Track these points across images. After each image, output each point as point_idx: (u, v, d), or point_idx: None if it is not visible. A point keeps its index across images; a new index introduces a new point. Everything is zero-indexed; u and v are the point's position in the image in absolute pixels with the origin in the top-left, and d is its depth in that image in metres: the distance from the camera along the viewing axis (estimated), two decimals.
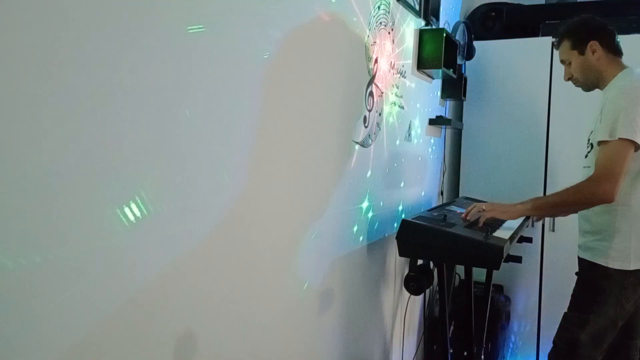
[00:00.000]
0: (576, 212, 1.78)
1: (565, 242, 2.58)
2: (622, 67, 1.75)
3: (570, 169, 2.62)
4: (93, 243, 0.79)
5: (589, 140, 1.78)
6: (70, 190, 0.75)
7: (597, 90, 1.82)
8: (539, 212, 1.85)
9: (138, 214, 0.87)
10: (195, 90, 0.98)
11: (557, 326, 1.83)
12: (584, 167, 1.80)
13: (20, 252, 0.69)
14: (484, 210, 1.73)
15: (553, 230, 2.69)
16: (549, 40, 2.72)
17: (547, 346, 1.99)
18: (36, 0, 0.68)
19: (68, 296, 0.76)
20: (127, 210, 0.84)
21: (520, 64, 2.80)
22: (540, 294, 2.74)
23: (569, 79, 1.85)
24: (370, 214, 1.83)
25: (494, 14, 3.03)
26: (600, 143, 1.60)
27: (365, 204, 1.79)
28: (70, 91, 0.74)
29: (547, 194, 2.71)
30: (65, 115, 0.74)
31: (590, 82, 1.80)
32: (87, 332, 0.79)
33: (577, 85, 1.85)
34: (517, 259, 2.24)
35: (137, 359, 0.89)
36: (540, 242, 2.72)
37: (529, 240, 2.29)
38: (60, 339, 0.75)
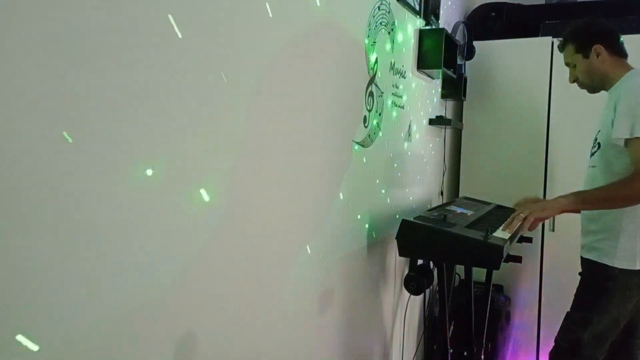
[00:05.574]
0: (620, 207, 1.67)
1: (565, 242, 2.58)
2: (628, 68, 1.75)
3: (570, 169, 2.63)
4: (94, 244, 0.79)
5: (595, 139, 1.77)
6: (71, 190, 0.75)
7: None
8: (583, 206, 1.74)
9: (139, 216, 0.87)
10: (194, 92, 0.98)
11: (557, 326, 1.83)
12: (591, 166, 1.79)
13: (21, 252, 0.69)
14: (522, 217, 1.66)
15: (553, 230, 2.69)
16: (549, 40, 2.72)
17: (547, 346, 2.00)
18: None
19: (69, 296, 0.76)
20: (128, 212, 0.84)
21: (520, 64, 2.80)
22: (540, 294, 2.74)
23: (574, 81, 1.85)
24: (370, 214, 1.83)
25: (494, 14, 3.04)
26: (627, 141, 1.58)
27: (365, 204, 1.79)
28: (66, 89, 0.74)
29: (548, 193, 2.72)
30: (64, 116, 0.74)
31: (595, 84, 1.80)
32: (88, 333, 0.79)
33: (583, 88, 1.85)
34: (517, 259, 2.24)
35: (138, 359, 0.89)
36: (540, 242, 2.72)
37: (529, 240, 2.28)
38: (61, 339, 0.75)
